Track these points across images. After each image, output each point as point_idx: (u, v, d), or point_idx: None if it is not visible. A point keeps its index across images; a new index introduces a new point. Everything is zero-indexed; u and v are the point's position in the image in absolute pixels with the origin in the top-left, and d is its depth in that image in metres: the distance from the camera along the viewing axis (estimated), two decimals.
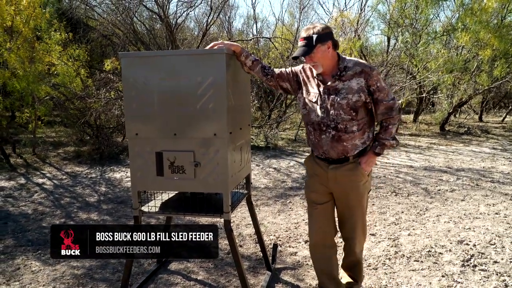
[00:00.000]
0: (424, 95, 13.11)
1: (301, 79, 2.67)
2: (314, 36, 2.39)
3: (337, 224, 2.86)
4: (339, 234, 2.87)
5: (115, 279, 3.36)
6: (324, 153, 2.60)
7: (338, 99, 2.47)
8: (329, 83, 2.52)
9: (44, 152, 8.52)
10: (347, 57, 2.53)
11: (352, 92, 2.45)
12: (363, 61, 2.52)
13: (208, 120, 2.56)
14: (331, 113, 2.50)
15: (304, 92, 2.65)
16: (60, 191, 5.96)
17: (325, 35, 2.41)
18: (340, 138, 2.50)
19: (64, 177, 6.76)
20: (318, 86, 2.56)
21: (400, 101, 11.04)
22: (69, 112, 8.72)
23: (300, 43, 2.46)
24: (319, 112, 2.55)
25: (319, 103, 2.55)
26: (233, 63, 2.69)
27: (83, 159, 7.93)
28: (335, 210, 2.80)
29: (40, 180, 6.51)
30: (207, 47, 2.66)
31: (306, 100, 2.62)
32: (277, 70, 2.74)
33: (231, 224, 4.53)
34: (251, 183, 3.32)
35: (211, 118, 2.56)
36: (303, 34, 2.45)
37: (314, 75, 2.58)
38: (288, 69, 2.73)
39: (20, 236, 4.30)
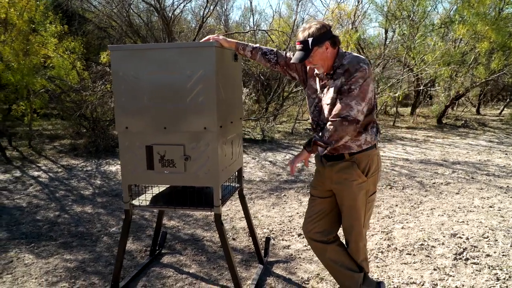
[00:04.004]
0: (421, 88, 13.08)
1: (308, 69, 2.60)
2: (310, 40, 2.29)
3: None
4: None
5: (108, 272, 3.37)
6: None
7: (326, 98, 2.41)
8: (323, 81, 2.46)
9: (40, 145, 8.51)
10: (349, 54, 2.40)
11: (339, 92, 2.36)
12: (358, 58, 2.35)
13: (198, 113, 2.55)
14: (322, 112, 2.46)
15: (308, 85, 2.61)
16: (55, 184, 5.95)
17: (321, 36, 2.30)
18: None
19: (60, 170, 6.75)
20: (319, 82, 2.52)
21: (397, 94, 11.01)
22: (65, 105, 8.68)
23: (297, 46, 2.36)
24: (314, 109, 2.53)
25: (316, 101, 2.52)
26: (224, 56, 2.67)
27: (79, 152, 7.91)
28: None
29: (36, 173, 6.50)
30: (202, 40, 2.66)
31: (308, 94, 2.61)
32: (285, 57, 2.64)
33: (226, 217, 4.56)
34: (243, 176, 3.31)
35: (201, 111, 2.54)
36: (300, 37, 2.35)
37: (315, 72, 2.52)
38: None
39: (14, 229, 4.30)
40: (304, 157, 2.42)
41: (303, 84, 2.70)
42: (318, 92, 2.51)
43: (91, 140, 8.21)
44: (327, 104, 2.42)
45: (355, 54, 2.43)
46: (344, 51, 2.45)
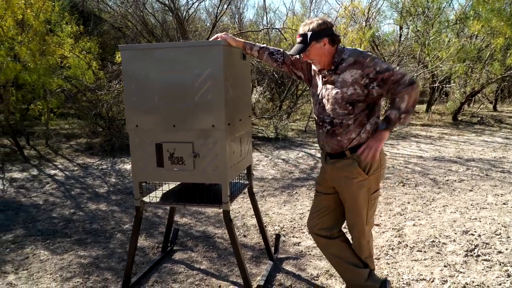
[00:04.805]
0: (436, 84, 12.93)
1: (313, 68, 2.64)
2: (309, 34, 2.35)
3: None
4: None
5: (120, 268, 3.44)
6: (322, 147, 2.61)
7: (333, 93, 2.43)
8: (326, 77, 2.49)
9: (57, 144, 8.68)
10: (348, 49, 2.45)
11: (346, 85, 2.37)
12: (359, 50, 2.40)
13: (206, 111, 2.59)
14: (327, 107, 2.48)
15: (313, 83, 2.66)
16: (71, 182, 6.07)
17: (321, 32, 2.35)
18: (335, 133, 2.46)
19: (76, 168, 6.89)
20: (321, 80, 2.55)
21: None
22: (81, 104, 8.85)
23: (297, 39, 2.43)
24: (318, 106, 2.56)
25: (320, 97, 2.56)
26: (232, 55, 2.71)
27: (94, 150, 8.06)
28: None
29: (52, 172, 6.64)
30: (211, 39, 2.70)
31: (312, 93, 2.65)
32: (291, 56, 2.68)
33: (237, 215, 4.60)
34: (253, 174, 3.35)
35: (209, 109, 2.59)
36: (300, 30, 2.41)
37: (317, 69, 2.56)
38: None
39: (31, 226, 4.41)
40: (384, 139, 2.37)
41: (308, 83, 2.74)
42: (321, 89, 2.54)
43: (106, 139, 8.34)
44: (335, 99, 2.41)
45: (352, 47, 2.47)
46: (342, 46, 2.48)
